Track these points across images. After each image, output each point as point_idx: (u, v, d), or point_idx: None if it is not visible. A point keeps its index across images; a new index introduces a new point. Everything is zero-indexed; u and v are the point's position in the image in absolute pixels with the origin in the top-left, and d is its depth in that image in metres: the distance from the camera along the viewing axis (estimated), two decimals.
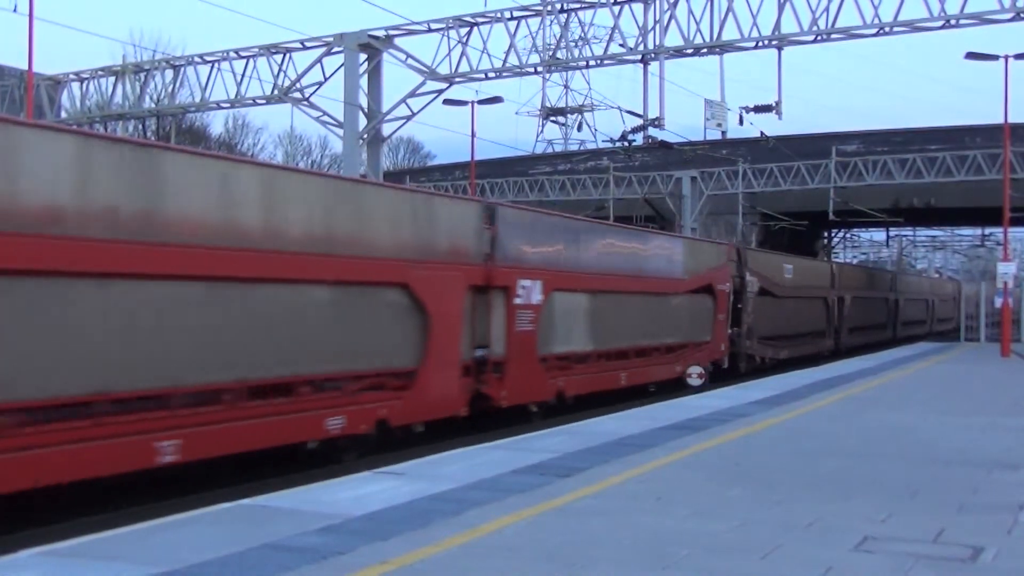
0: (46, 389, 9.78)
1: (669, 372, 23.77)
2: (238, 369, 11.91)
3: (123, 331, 10.60)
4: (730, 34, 28.91)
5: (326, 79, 33.86)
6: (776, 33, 28.50)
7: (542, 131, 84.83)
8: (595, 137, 73.08)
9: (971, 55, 31.48)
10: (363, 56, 32.99)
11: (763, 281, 30.58)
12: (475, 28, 31.85)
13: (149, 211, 10.74)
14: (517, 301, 17.49)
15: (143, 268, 10.69)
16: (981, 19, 26.70)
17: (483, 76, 32.65)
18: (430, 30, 32.52)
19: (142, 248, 10.64)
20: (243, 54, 35.57)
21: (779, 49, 29.07)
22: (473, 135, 39.49)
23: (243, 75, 35.47)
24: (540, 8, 31.34)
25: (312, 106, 34.40)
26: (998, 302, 35.81)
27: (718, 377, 25.44)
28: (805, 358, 33.26)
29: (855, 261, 79.45)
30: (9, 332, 9.46)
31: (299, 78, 34.22)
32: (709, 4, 28.90)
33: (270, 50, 34.83)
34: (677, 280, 24.84)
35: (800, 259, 38.05)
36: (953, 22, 26.79)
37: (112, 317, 10.50)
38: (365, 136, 33.68)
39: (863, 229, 72.78)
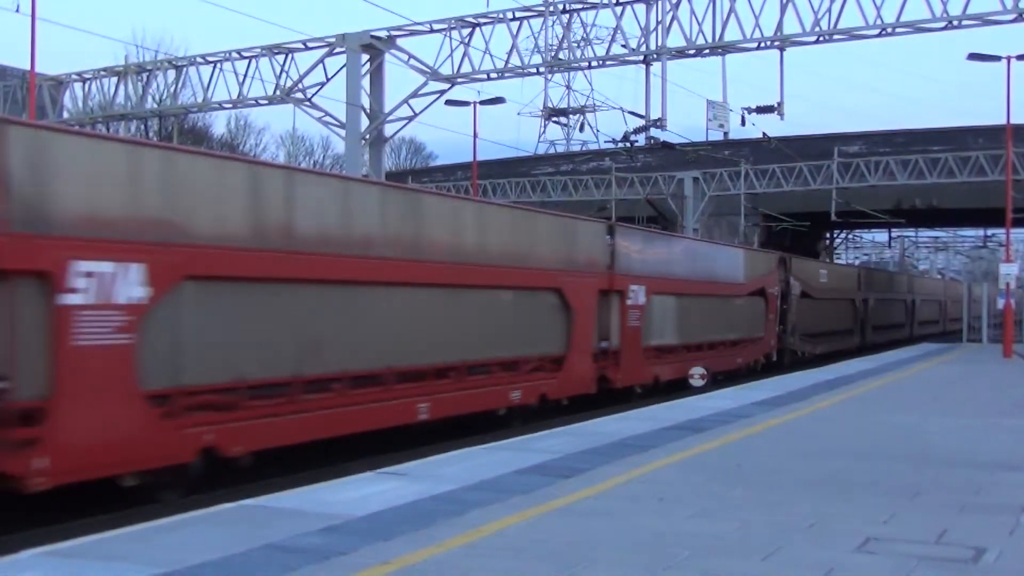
0: (360, 364, 14.28)
1: (731, 363, 28.20)
2: (461, 352, 16.54)
3: (401, 324, 15.18)
4: (732, 35, 28.93)
5: (328, 80, 33.88)
6: (778, 34, 28.50)
7: (544, 132, 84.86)
8: (597, 138, 73.05)
9: (973, 56, 31.47)
10: (365, 56, 33.00)
11: (804, 285, 34.96)
12: (477, 28, 31.86)
13: (416, 237, 15.55)
14: (629, 302, 22.10)
15: (412, 279, 15.39)
16: (983, 20, 26.69)
17: (485, 77, 32.66)
18: (432, 31, 32.54)
19: (412, 265, 15.36)
20: (245, 54, 35.59)
21: (781, 50, 29.07)
22: (475, 135, 39.53)
23: (245, 75, 35.49)
24: (542, 9, 31.35)
25: (314, 107, 34.42)
26: (1000, 303, 35.78)
27: (768, 368, 30.46)
28: (836, 353, 36.88)
29: (857, 262, 79.38)
30: (345, 324, 14.04)
31: (301, 79, 34.23)
32: (711, 5, 28.91)
33: (272, 51, 34.84)
34: (739, 285, 29.51)
35: (832, 265, 45.94)
36: (955, 23, 26.79)
37: (396, 314, 15.10)
38: (367, 137, 33.69)
39: (865, 230, 72.72)
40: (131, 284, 10.61)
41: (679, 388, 22.87)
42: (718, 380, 25.08)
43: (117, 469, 10.77)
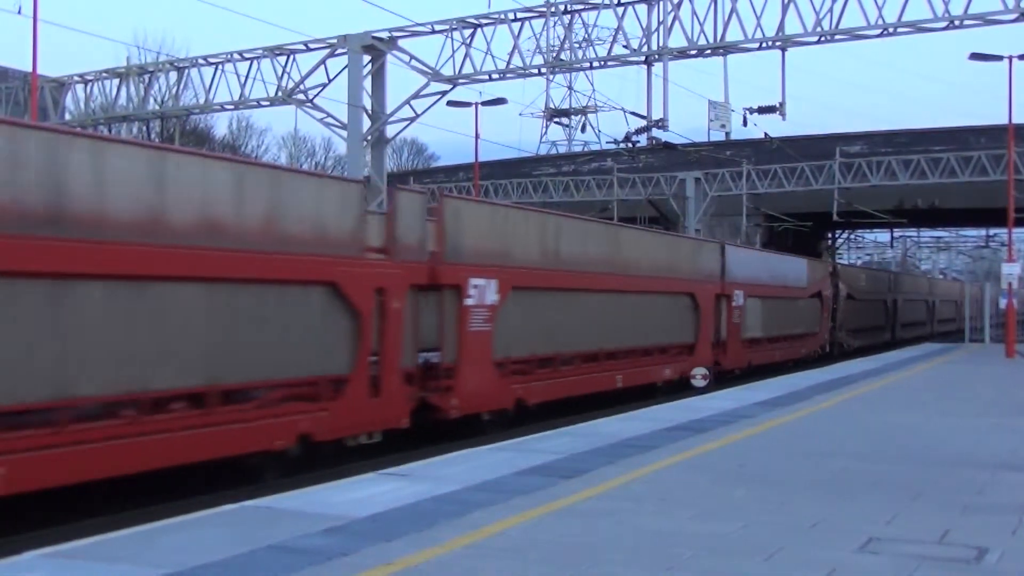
0: (532, 350, 18.69)
1: (797, 353, 34.54)
2: (605, 342, 21.20)
3: (607, 318, 21.31)
4: (734, 35, 28.87)
5: (330, 81, 33.82)
6: (780, 34, 28.45)
7: (546, 132, 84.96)
8: (599, 138, 73.18)
9: (975, 56, 31.45)
10: (367, 58, 32.97)
11: (849, 288, 42.10)
12: (479, 29, 31.81)
13: (556, 252, 19.63)
14: (734, 304, 27.95)
15: (571, 285, 19.94)
16: (985, 20, 26.65)
17: (487, 77, 32.61)
18: (434, 31, 32.50)
19: (560, 273, 19.69)
20: (247, 56, 35.56)
21: (783, 50, 29.02)
22: (477, 136, 39.58)
23: (247, 77, 35.43)
24: (544, 9, 31.31)
25: (316, 108, 34.38)
26: (1003, 303, 35.76)
27: (822, 359, 35.99)
28: (871, 346, 43.66)
29: (859, 262, 79.44)
30: (521, 322, 17.99)
31: (303, 80, 34.19)
32: (713, 5, 28.86)
33: (274, 52, 34.81)
34: (803, 289, 35.79)
35: (869, 270, 52.90)
36: (957, 23, 26.73)
37: (605, 310, 21.33)
38: (369, 138, 33.67)
39: (867, 230, 72.71)
40: (491, 292, 16.75)
41: (769, 371, 28.85)
42: (787, 366, 31.80)
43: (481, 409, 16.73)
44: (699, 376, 24.28)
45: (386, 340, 14.32)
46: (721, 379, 26.06)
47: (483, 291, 16.77)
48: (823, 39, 28.29)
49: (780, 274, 33.94)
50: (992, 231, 69.13)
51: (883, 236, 77.59)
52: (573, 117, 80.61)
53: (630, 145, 33.22)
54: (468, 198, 22.28)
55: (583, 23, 32.08)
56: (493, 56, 31.77)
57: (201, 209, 11.50)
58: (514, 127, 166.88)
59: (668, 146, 34.27)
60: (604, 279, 21.31)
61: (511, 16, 31.49)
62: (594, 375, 20.70)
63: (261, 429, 12.18)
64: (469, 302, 16.51)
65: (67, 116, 40.23)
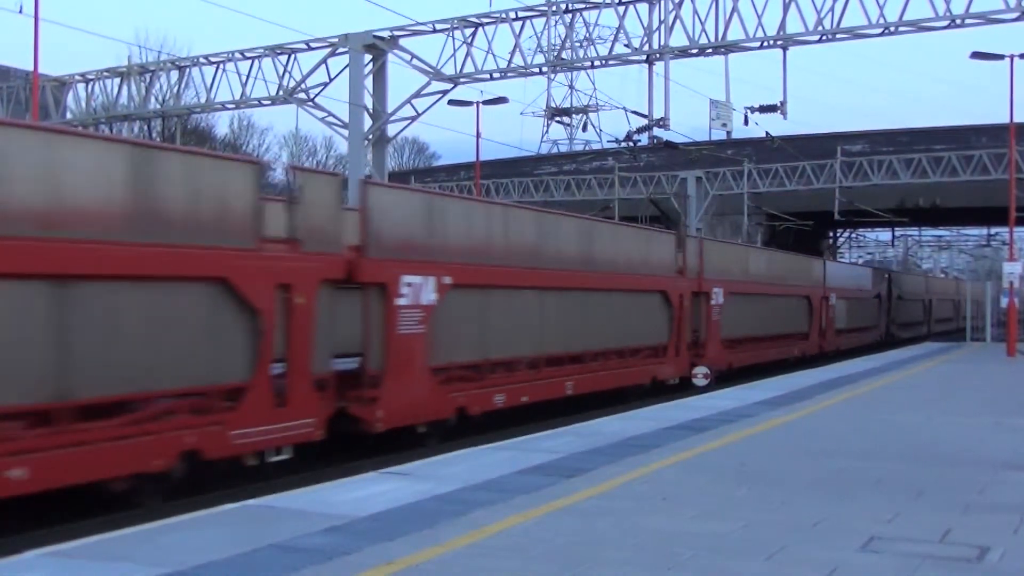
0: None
1: (865, 341, 42.53)
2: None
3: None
4: (735, 34, 28.89)
5: (331, 80, 33.87)
6: (781, 33, 28.46)
7: (547, 131, 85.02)
8: (600, 137, 73.19)
9: (976, 55, 31.43)
10: (368, 57, 32.99)
11: (899, 290, 51.38)
12: (480, 29, 31.84)
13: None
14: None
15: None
16: (986, 19, 26.66)
17: (488, 76, 32.64)
18: (435, 31, 32.52)
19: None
20: (248, 55, 35.59)
21: (784, 49, 29.04)
22: (478, 135, 39.57)
23: (248, 76, 35.48)
24: (545, 8, 31.33)
25: (317, 107, 34.42)
26: (1004, 302, 35.74)
27: (880, 346, 43.34)
28: (913, 337, 51.66)
29: (860, 261, 79.50)
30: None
31: (304, 79, 34.23)
32: (714, 4, 28.88)
33: (275, 51, 34.84)
34: (870, 291, 45.47)
35: (912, 275, 67.00)
36: (958, 22, 26.75)
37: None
38: (370, 137, 33.69)
39: (868, 229, 72.73)
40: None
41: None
42: (855, 351, 38.24)
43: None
44: (700, 375, 24.32)
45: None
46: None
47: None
48: (824, 38, 28.31)
49: (857, 280, 41.29)
50: (993, 230, 69.12)
51: (884, 235, 77.65)
52: (574, 116, 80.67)
53: (631, 144, 33.24)
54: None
55: (584, 22, 32.14)
56: (494, 55, 31.84)
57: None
58: (515, 126, 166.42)
59: (669, 145, 34.30)
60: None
61: (512, 15, 31.52)
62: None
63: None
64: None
65: (68, 115, 40.27)
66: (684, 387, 23.58)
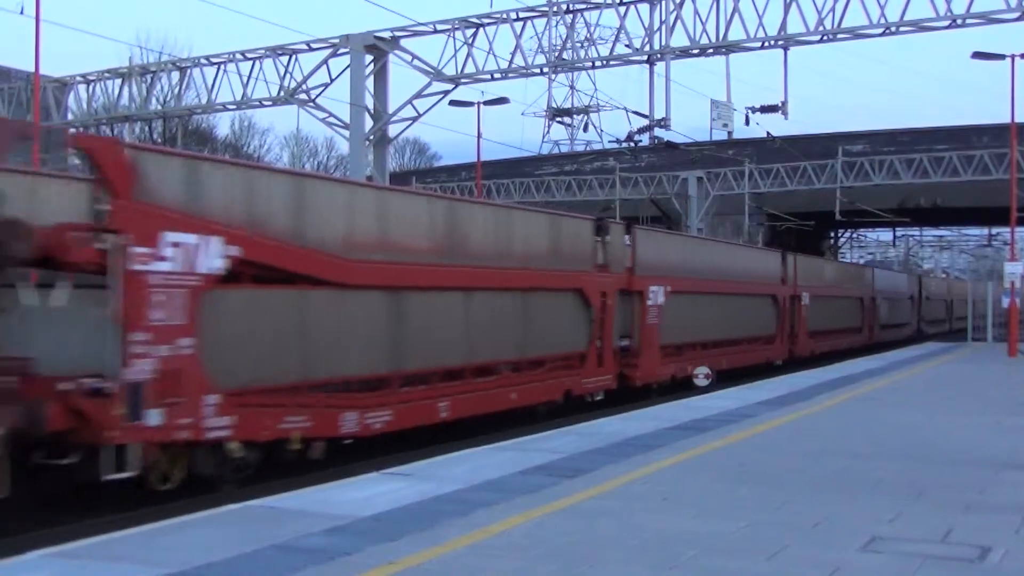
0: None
1: (901, 335, 47.84)
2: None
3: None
4: (736, 34, 28.88)
5: (332, 80, 33.88)
6: (782, 33, 28.46)
7: (548, 132, 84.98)
8: (601, 138, 73.12)
9: (978, 54, 31.42)
10: (369, 57, 33.00)
11: (927, 291, 58.88)
12: (481, 29, 31.84)
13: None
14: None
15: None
16: (987, 18, 26.65)
17: (489, 77, 32.65)
18: (436, 31, 32.53)
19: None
20: (249, 56, 35.60)
21: (785, 49, 29.03)
22: (479, 136, 39.57)
23: (249, 77, 35.48)
24: (546, 9, 31.33)
25: (318, 107, 34.43)
26: (1005, 302, 35.73)
27: (913, 339, 49.34)
28: (938, 332, 58.43)
29: (862, 261, 79.58)
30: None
31: (305, 80, 34.24)
32: (715, 4, 28.87)
33: (276, 52, 34.85)
34: (904, 291, 51.40)
35: (938, 279, 74.97)
36: (959, 21, 26.74)
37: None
38: (371, 137, 33.71)
39: (870, 229, 72.71)
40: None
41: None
42: (890, 344, 43.16)
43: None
44: (702, 375, 24.25)
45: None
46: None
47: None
48: (825, 38, 28.30)
49: (895, 283, 45.69)
50: (995, 230, 69.11)
51: (886, 235, 77.65)
52: (575, 116, 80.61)
53: (632, 144, 33.27)
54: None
55: (585, 22, 32.16)
56: (495, 55, 31.84)
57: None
58: (516, 127, 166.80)
59: (670, 145, 34.31)
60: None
61: (513, 15, 31.51)
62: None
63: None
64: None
65: (69, 116, 40.28)
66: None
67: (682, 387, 22.78)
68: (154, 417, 10.51)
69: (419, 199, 17.13)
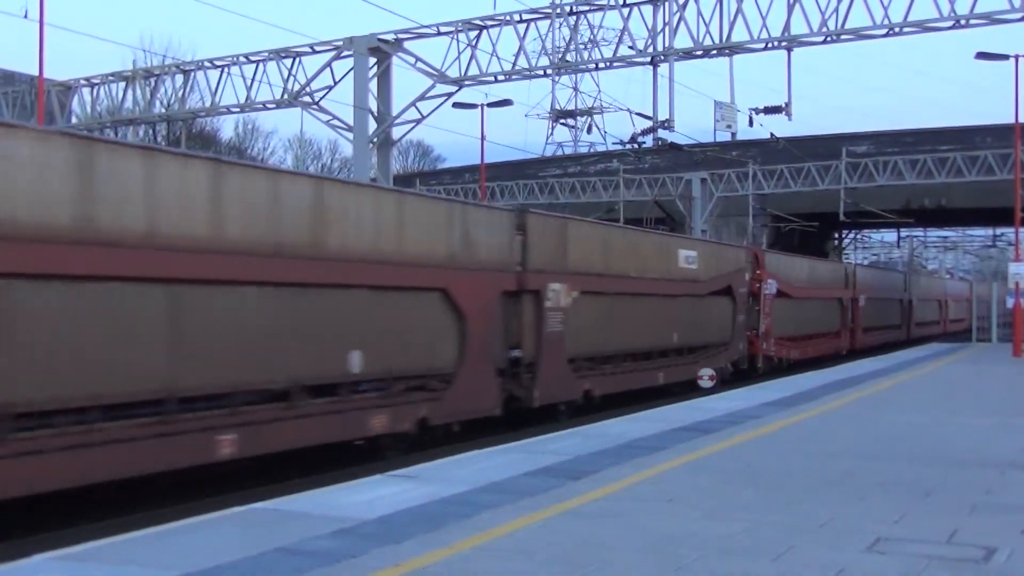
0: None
1: (944, 331, 52.17)
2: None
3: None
4: (739, 35, 28.89)
5: (336, 83, 33.91)
6: (786, 34, 28.45)
7: (552, 133, 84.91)
8: (605, 139, 73.26)
9: (981, 55, 31.40)
10: (373, 60, 33.03)
11: (951, 297, 65.54)
12: (484, 31, 31.86)
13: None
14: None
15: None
16: (991, 19, 26.63)
17: (492, 79, 32.66)
18: (439, 33, 32.55)
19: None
20: (253, 58, 35.65)
21: (789, 50, 29.01)
22: (483, 138, 39.57)
23: (253, 79, 35.56)
24: (549, 11, 31.35)
25: (322, 110, 34.47)
26: (1010, 302, 35.69)
27: (938, 337, 54.02)
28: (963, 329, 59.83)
29: (866, 262, 79.60)
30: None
31: (309, 82, 34.28)
32: (718, 6, 28.87)
33: (280, 54, 34.89)
34: (955, 294, 59.27)
35: (960, 282, 78.17)
36: (963, 22, 26.73)
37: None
38: (375, 140, 33.72)
39: (874, 230, 72.67)
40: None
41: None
42: (935, 337, 51.96)
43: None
44: (706, 377, 24.23)
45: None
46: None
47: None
48: (829, 39, 28.29)
49: (952, 289, 56.78)
50: (999, 230, 69.09)
51: (890, 236, 77.61)
52: (579, 118, 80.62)
53: (636, 146, 33.30)
54: None
55: (588, 24, 32.16)
56: (498, 57, 31.86)
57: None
58: (520, 128, 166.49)
59: (674, 147, 34.32)
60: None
61: (516, 17, 31.53)
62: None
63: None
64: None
65: (74, 119, 40.34)
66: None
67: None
68: None
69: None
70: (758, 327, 29.23)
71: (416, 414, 14.99)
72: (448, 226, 16.16)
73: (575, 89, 78.70)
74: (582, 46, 33.49)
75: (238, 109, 38.20)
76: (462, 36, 31.97)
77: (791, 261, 34.54)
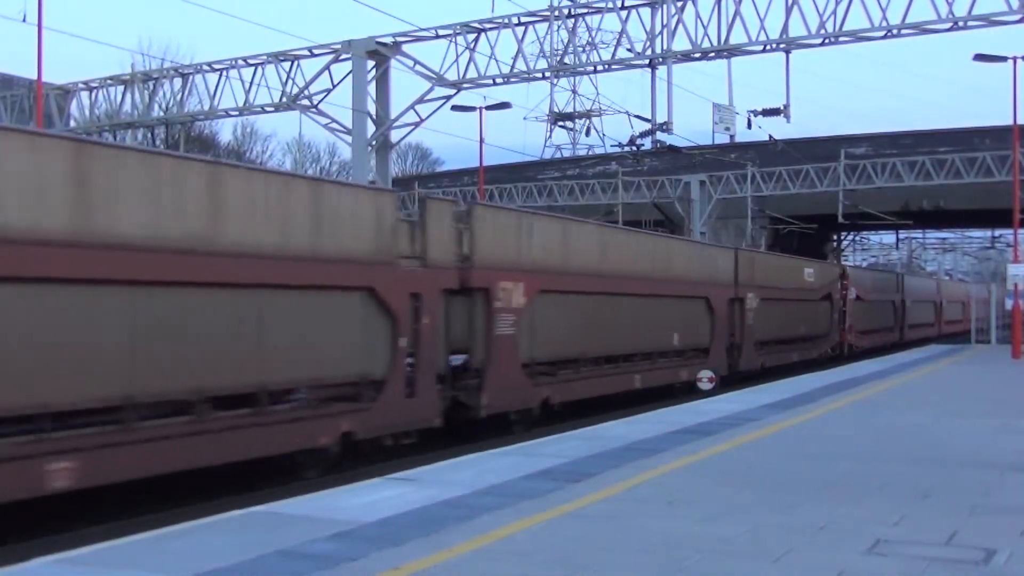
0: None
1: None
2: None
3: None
4: (738, 38, 28.88)
5: (334, 86, 33.91)
6: (784, 36, 28.45)
7: (550, 136, 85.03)
8: (603, 142, 73.17)
9: (979, 56, 31.42)
10: (371, 63, 33.03)
11: (967, 299, 66.36)
12: (483, 34, 31.86)
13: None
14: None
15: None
16: (989, 21, 26.64)
17: (491, 82, 32.65)
18: (438, 36, 32.55)
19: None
20: (251, 62, 35.64)
21: (787, 52, 29.02)
22: (482, 141, 39.57)
23: (251, 83, 35.52)
24: (548, 13, 31.37)
25: (320, 113, 34.47)
26: (1009, 304, 35.70)
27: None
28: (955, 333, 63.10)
29: (864, 264, 79.67)
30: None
31: (307, 85, 34.28)
32: (716, 8, 28.87)
33: (278, 58, 34.89)
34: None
35: (974, 285, 76.81)
36: (961, 24, 26.73)
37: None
38: (373, 143, 33.72)
39: (872, 232, 72.72)
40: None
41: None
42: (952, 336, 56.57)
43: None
44: (705, 379, 24.25)
45: None
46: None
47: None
48: (827, 41, 28.29)
49: (953, 290, 64.00)
50: (998, 232, 69.14)
51: (889, 238, 77.68)
52: (577, 121, 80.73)
53: (634, 148, 33.30)
54: None
55: (587, 27, 32.21)
56: (497, 60, 31.84)
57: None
58: (519, 131, 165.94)
59: (673, 149, 34.32)
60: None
61: (515, 20, 31.53)
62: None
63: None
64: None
65: (72, 123, 40.33)
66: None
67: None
68: None
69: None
70: (844, 323, 39.35)
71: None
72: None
73: (573, 92, 78.92)
74: (580, 49, 33.50)
75: (236, 112, 38.18)
76: (460, 39, 31.97)
77: (862, 273, 46.53)
